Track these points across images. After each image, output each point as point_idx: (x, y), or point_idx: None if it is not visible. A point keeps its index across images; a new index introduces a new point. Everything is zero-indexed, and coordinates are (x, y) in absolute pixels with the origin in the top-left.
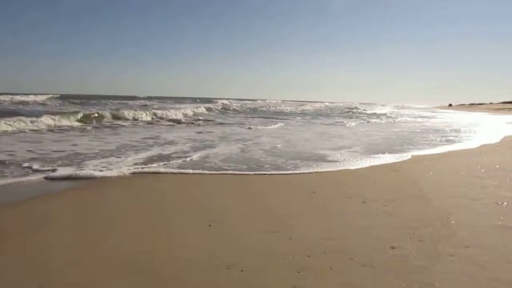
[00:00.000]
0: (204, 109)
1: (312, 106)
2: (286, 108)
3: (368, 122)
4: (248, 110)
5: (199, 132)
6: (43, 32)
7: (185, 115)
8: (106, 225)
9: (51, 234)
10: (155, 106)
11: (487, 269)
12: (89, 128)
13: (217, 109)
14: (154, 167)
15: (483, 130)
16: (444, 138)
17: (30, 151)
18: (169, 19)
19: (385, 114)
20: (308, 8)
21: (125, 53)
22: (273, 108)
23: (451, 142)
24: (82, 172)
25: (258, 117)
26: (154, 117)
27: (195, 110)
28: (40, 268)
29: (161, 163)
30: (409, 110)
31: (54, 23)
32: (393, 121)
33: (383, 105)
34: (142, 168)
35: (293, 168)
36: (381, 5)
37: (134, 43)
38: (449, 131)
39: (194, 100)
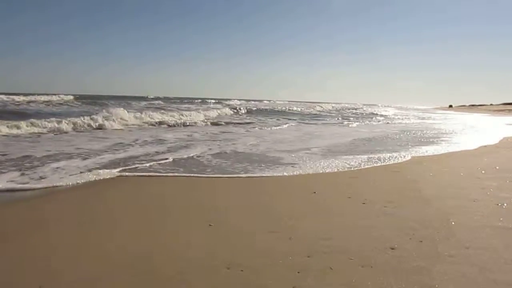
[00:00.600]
0: (230, 110)
1: (320, 107)
2: (298, 108)
3: (383, 122)
4: (266, 111)
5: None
6: (44, 32)
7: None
8: (106, 225)
9: (52, 234)
10: (195, 108)
11: (487, 270)
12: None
13: (234, 110)
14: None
15: (481, 131)
16: (443, 139)
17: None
18: (170, 19)
19: (386, 115)
20: (309, 8)
21: (125, 53)
22: (281, 108)
23: (450, 143)
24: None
25: (277, 118)
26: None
27: (220, 112)
28: (40, 268)
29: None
30: (408, 111)
31: (54, 23)
32: (405, 122)
33: (386, 106)
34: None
35: (243, 172)
36: (381, 5)
37: (134, 42)
38: (448, 132)
39: (203, 100)
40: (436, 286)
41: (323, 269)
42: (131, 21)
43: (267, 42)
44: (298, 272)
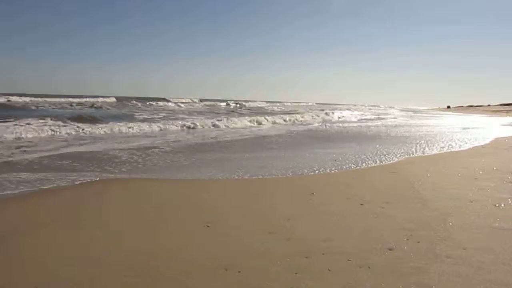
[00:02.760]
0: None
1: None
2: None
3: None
4: None
5: None
6: (45, 31)
7: None
8: (103, 226)
9: (48, 234)
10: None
11: (484, 270)
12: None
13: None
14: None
15: (475, 132)
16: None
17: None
18: (168, 18)
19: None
20: (310, 8)
21: (126, 52)
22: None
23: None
24: None
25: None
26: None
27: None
28: (36, 268)
29: None
30: (405, 112)
31: (53, 22)
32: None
33: (390, 107)
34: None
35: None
36: (381, 5)
37: (134, 42)
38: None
39: (224, 102)
40: (434, 286)
41: (321, 270)
42: (132, 20)
43: (267, 42)
44: (296, 273)
